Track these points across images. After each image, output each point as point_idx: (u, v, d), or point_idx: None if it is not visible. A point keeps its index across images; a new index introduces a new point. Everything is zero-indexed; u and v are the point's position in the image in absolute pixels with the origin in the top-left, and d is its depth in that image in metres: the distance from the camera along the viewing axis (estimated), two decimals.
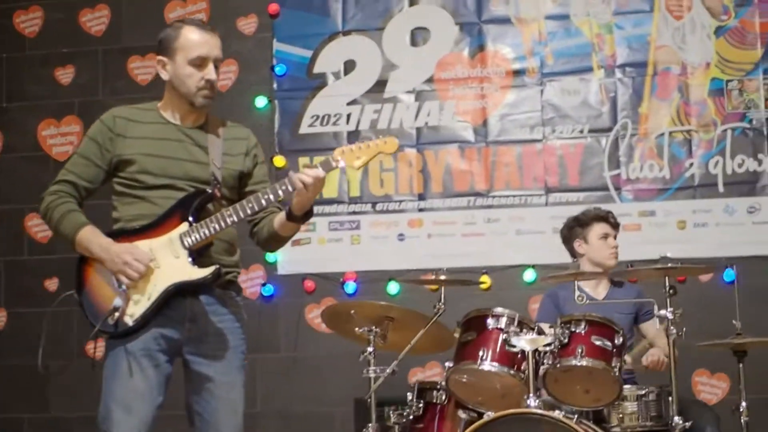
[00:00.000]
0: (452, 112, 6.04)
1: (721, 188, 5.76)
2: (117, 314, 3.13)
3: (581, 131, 5.92)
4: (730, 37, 5.86)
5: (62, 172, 3.34)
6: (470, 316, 4.13)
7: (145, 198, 3.25)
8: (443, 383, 4.12)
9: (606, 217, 4.84)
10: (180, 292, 3.19)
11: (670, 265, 3.94)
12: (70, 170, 3.32)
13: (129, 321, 3.16)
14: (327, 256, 6.02)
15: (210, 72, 3.25)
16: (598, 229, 4.80)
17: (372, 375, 4.05)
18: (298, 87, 6.13)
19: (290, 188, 3.15)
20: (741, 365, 4.18)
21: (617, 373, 3.92)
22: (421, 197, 6.00)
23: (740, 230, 5.71)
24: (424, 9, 6.15)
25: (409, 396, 4.22)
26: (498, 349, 3.97)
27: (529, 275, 5.81)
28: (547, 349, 3.91)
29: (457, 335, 4.13)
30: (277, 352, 6.02)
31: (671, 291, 3.87)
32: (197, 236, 3.18)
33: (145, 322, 3.16)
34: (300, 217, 3.24)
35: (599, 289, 4.82)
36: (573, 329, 3.97)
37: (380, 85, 6.10)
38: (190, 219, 3.20)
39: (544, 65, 5.98)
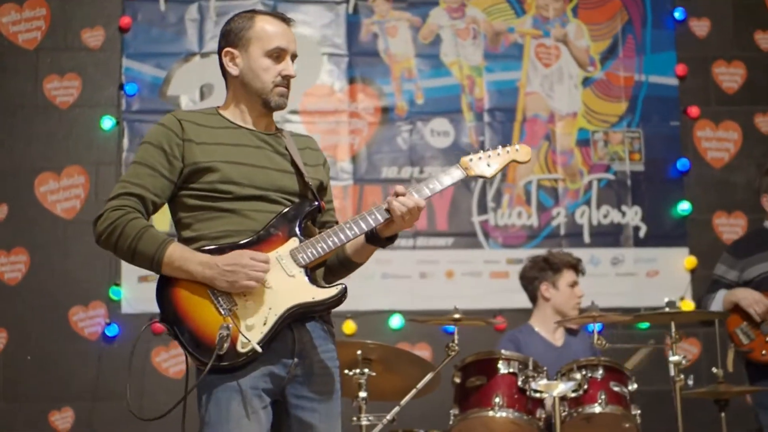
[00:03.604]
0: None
1: (587, 238, 5.76)
2: (226, 344, 2.56)
3: None
4: (597, 88, 5.90)
5: (120, 185, 2.73)
6: (469, 360, 3.93)
7: (235, 211, 2.72)
8: None
9: (576, 266, 4.74)
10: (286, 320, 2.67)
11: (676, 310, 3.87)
12: (133, 182, 2.72)
13: (246, 349, 2.59)
14: None
15: (288, 67, 2.81)
16: (569, 276, 4.67)
17: (365, 423, 3.66)
18: (150, 109, 5.59)
19: (380, 218, 2.72)
20: (723, 414, 4.09)
21: (638, 422, 3.81)
22: None
23: (604, 281, 5.70)
24: None
25: None
26: (514, 395, 3.78)
27: (395, 321, 5.54)
28: (573, 395, 3.72)
29: (458, 380, 3.92)
30: (121, 400, 5.38)
31: (677, 337, 3.76)
32: (313, 252, 2.69)
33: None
34: (385, 239, 2.78)
35: (556, 336, 4.67)
36: (590, 375, 3.82)
37: None
38: (298, 233, 2.72)
39: (413, 104, 5.79)
